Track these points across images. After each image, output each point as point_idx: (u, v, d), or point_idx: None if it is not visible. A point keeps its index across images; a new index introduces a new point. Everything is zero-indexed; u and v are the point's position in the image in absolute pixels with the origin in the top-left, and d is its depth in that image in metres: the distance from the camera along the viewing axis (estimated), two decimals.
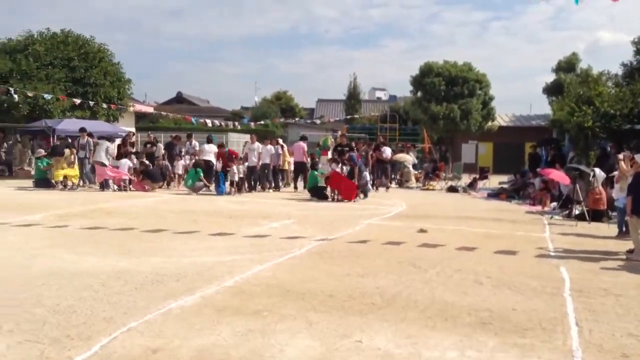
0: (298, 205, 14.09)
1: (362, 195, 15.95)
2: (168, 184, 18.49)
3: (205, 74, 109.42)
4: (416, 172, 23.04)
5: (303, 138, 19.85)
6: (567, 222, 11.88)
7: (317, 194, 15.66)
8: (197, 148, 20.32)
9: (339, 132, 24.48)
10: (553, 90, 35.30)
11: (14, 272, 6.10)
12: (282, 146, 19.41)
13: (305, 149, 19.02)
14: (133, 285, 5.60)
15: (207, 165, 17.55)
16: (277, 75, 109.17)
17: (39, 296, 5.16)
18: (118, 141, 20.85)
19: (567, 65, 36.09)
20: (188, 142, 20.88)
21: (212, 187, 16.90)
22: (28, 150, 23.45)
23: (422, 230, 9.88)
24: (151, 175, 17.53)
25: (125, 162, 17.14)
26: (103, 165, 16.82)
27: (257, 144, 17.72)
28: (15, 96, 21.19)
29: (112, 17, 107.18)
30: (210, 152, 18.27)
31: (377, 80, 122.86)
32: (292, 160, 20.33)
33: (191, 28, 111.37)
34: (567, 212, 12.72)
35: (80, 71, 25.13)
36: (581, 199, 12.22)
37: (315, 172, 16.22)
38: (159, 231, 9.10)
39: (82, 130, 18.11)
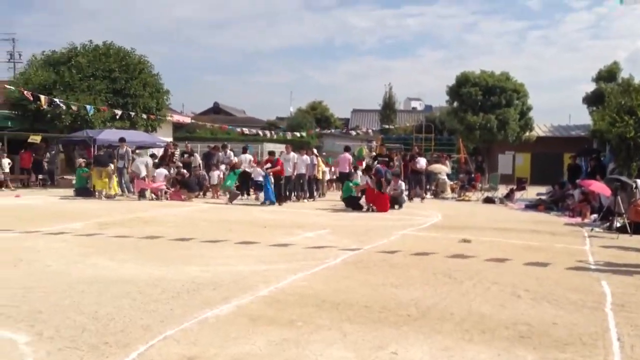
0: (333, 215, 14.09)
1: (397, 206, 15.89)
2: (204, 194, 18.72)
3: (242, 85, 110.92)
4: (451, 182, 22.82)
5: (347, 149, 20.04)
6: (608, 234, 11.59)
7: (352, 204, 15.66)
8: (232, 158, 20.58)
9: (375, 143, 24.48)
10: (593, 100, 34.60)
11: (55, 279, 6.24)
12: (316, 156, 19.50)
13: (351, 160, 19.15)
14: (170, 294, 5.67)
15: (244, 175, 17.75)
16: (313, 85, 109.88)
17: (79, 303, 5.27)
18: (154, 150, 21.30)
19: (608, 75, 35.33)
20: (223, 152, 21.14)
21: (256, 196, 16.98)
22: (75, 158, 24.05)
23: (465, 240, 9.86)
24: (188, 185, 17.78)
25: (161, 172, 17.43)
26: (140, 176, 17.19)
27: (292, 154, 17.82)
28: (63, 106, 21.79)
29: (152, 29, 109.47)
30: (246, 162, 18.50)
31: (413, 90, 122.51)
32: (327, 170, 20.46)
33: (229, 40, 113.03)
34: (608, 224, 12.41)
35: (120, 82, 25.72)
36: (623, 211, 11.91)
37: (350, 183, 16.25)
38: (195, 240, 9.21)
39: (122, 140, 18.53)
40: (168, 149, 19.99)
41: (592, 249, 9.56)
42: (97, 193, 17.47)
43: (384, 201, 15.16)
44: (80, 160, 19.11)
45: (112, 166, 17.78)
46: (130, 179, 18.11)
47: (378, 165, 16.53)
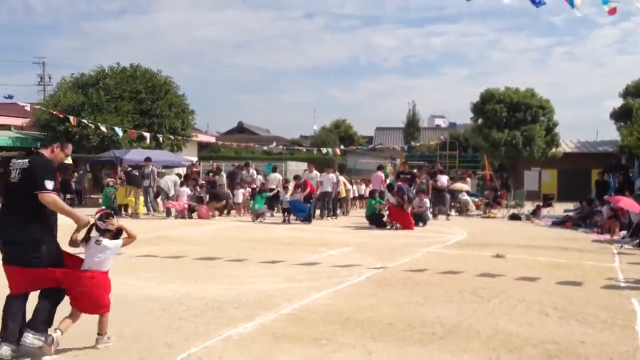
0: (356, 233, 14.05)
1: (421, 223, 15.78)
2: (229, 212, 18.82)
3: (266, 104, 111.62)
4: (475, 199, 22.57)
5: (380, 167, 20.04)
6: (637, 251, 11.35)
7: (375, 221, 15.61)
8: (255, 176, 20.74)
9: (399, 160, 24.42)
10: (621, 116, 34.11)
11: None
12: (337, 174, 19.57)
13: (383, 177, 19.11)
14: (194, 311, 5.70)
15: (273, 193, 17.77)
16: (336, 103, 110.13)
17: None
18: (179, 170, 21.54)
19: (636, 90, 34.82)
20: (245, 171, 21.31)
21: (286, 219, 17.00)
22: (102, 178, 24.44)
23: (498, 256, 9.94)
24: (215, 194, 17.96)
25: (185, 190, 17.62)
26: (167, 195, 17.42)
27: (315, 173, 17.86)
28: (92, 125, 22.20)
29: (177, 51, 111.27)
30: (275, 181, 18.61)
31: (436, 107, 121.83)
32: (350, 188, 20.52)
33: (252, 60, 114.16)
34: (637, 240, 12.16)
35: (147, 103, 26.10)
36: None
37: (373, 202, 16.22)
38: (219, 258, 9.25)
39: (147, 160, 18.79)
40: (192, 168, 20.21)
41: (622, 266, 9.37)
42: (123, 212, 17.69)
43: (407, 218, 15.07)
44: (108, 180, 19.38)
45: (142, 186, 18.12)
46: (156, 196, 18.35)
47: (400, 183, 16.46)
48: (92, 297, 4.73)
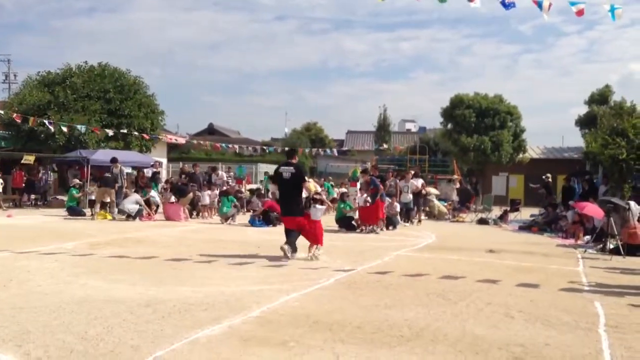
0: (326, 236, 14.02)
1: (391, 227, 15.87)
2: (198, 214, 18.65)
3: (237, 106, 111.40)
4: (445, 204, 22.79)
5: (365, 171, 20.06)
6: (601, 256, 11.60)
7: (345, 224, 15.64)
8: (225, 179, 20.71)
9: (369, 164, 24.51)
10: (586, 123, 34.90)
11: (45, 299, 6.18)
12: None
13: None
14: (161, 314, 5.62)
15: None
16: (307, 107, 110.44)
17: (69, 323, 5.21)
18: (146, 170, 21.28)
19: (600, 98, 35.69)
20: (214, 174, 21.26)
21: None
22: (68, 178, 23.97)
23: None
24: (180, 189, 17.72)
25: (134, 196, 17.21)
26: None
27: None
28: (52, 127, 21.78)
29: (148, 52, 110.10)
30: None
31: (407, 112, 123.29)
32: (320, 191, 20.52)
33: (224, 61, 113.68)
34: (601, 245, 12.43)
35: (115, 103, 25.76)
36: (616, 233, 11.93)
37: (342, 205, 16.27)
38: (188, 260, 9.15)
39: (114, 160, 18.45)
40: (141, 174, 20.00)
41: (586, 270, 9.56)
42: (90, 214, 17.41)
43: (377, 210, 15.07)
44: (76, 181, 19.02)
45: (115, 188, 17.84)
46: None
47: (374, 177, 16.36)
48: (316, 234, 10.02)
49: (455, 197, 23.14)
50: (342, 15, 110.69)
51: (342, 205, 16.26)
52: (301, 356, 4.45)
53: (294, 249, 9.69)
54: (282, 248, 9.62)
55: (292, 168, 10.07)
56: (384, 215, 15.56)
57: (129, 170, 23.41)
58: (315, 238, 9.91)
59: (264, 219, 16.22)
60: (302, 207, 10.17)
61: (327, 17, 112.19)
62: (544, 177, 20.77)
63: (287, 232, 9.99)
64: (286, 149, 13.84)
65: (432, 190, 22.51)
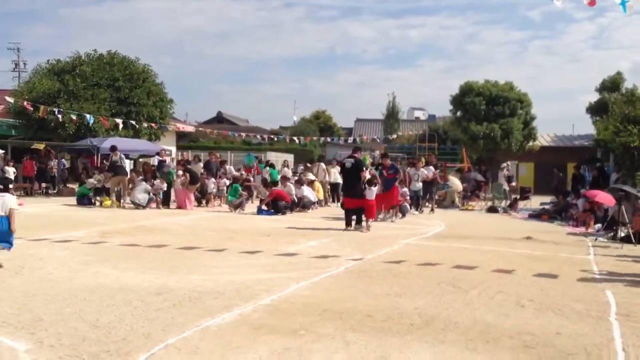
0: (335, 224, 14.05)
1: (400, 215, 15.83)
2: (207, 202, 18.69)
3: (245, 94, 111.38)
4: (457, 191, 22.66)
5: (385, 155, 20.08)
6: (612, 244, 11.53)
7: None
8: (234, 173, 20.82)
9: (378, 152, 24.43)
10: (597, 110, 34.54)
11: (58, 287, 6.23)
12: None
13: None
14: (171, 302, 5.65)
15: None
16: (316, 95, 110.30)
17: (81, 311, 5.25)
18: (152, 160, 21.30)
19: (612, 85, 35.28)
20: (222, 168, 21.32)
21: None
22: (78, 166, 24.02)
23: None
24: (192, 173, 17.65)
25: (143, 185, 17.15)
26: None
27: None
28: (60, 116, 21.85)
29: (157, 41, 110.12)
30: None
31: (416, 99, 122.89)
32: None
33: (232, 50, 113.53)
34: (612, 234, 12.35)
35: (124, 91, 25.80)
36: (627, 221, 11.85)
37: None
38: (198, 248, 9.19)
39: (113, 149, 18.35)
40: (147, 163, 19.90)
41: (596, 258, 9.52)
42: (96, 201, 17.49)
43: (392, 197, 15.06)
44: (92, 181, 18.65)
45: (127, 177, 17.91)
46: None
47: (394, 163, 16.46)
48: (371, 211, 12.80)
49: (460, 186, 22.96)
50: (350, 1, 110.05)
51: None
52: (312, 344, 4.46)
53: (357, 221, 12.63)
54: (347, 222, 12.62)
55: (352, 160, 13.05)
56: (399, 201, 15.57)
57: (134, 158, 23.49)
58: (370, 213, 12.79)
59: (273, 207, 16.23)
60: (361, 190, 12.82)
61: (334, 4, 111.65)
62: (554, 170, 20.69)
63: (347, 212, 12.84)
64: (352, 146, 16.62)
65: (455, 180, 22.40)
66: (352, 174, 13.01)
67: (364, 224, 12.59)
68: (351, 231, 12.36)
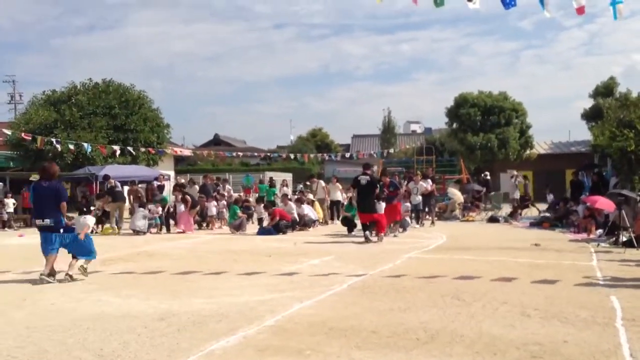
0: (337, 241, 14.04)
1: (401, 229, 15.81)
2: (207, 225, 18.65)
3: (241, 115, 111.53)
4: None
5: (384, 173, 20.27)
6: (614, 249, 11.52)
7: (347, 224, 15.94)
8: (232, 193, 20.85)
9: (376, 167, 24.45)
10: (592, 116, 34.70)
11: (60, 317, 6.19)
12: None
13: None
14: (175, 327, 5.62)
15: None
16: (312, 113, 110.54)
17: (84, 340, 5.22)
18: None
19: (605, 90, 35.49)
20: (222, 186, 21.32)
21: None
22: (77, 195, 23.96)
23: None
24: (192, 199, 17.65)
25: (140, 211, 17.13)
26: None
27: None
28: (59, 146, 21.90)
29: (150, 66, 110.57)
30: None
31: (412, 113, 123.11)
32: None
33: (225, 72, 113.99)
34: (614, 239, 12.33)
35: (121, 118, 25.91)
36: (628, 225, 11.84)
37: (348, 210, 16.84)
38: (199, 272, 9.16)
39: (106, 178, 18.46)
40: (133, 187, 19.77)
41: (599, 264, 9.50)
42: (95, 230, 17.41)
43: (394, 212, 15.12)
44: (97, 204, 18.63)
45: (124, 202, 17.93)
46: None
47: (394, 180, 16.59)
48: (382, 224, 13.76)
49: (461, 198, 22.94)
50: (340, 20, 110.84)
51: (347, 211, 16.67)
52: None
53: (371, 234, 13.73)
54: (365, 236, 13.45)
55: (367, 177, 13.82)
56: (401, 217, 15.59)
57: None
58: (381, 226, 13.79)
59: (274, 226, 16.22)
60: (375, 206, 13.83)
61: (325, 23, 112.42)
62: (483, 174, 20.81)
63: (364, 226, 13.84)
64: (363, 163, 16.48)
65: (456, 192, 22.36)
66: (367, 190, 13.75)
67: (379, 235, 13.68)
68: (354, 247, 12.35)
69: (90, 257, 8.93)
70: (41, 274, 8.34)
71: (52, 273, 8.48)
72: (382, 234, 13.74)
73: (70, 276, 8.46)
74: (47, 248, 8.60)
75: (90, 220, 9.49)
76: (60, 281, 8.35)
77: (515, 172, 22.85)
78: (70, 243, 8.75)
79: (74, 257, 8.79)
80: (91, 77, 27.74)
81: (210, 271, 9.21)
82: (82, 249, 8.79)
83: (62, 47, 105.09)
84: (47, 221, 8.59)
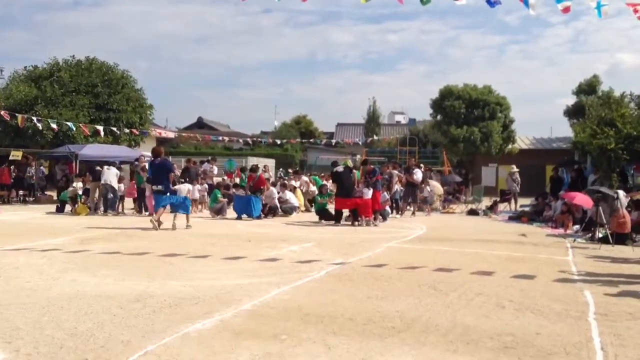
0: (317, 228, 14.06)
1: (381, 218, 15.87)
2: None
3: (226, 99, 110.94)
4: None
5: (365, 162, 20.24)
6: (590, 245, 11.68)
7: (323, 215, 15.90)
8: (215, 172, 20.72)
9: (359, 156, 24.50)
10: (574, 113, 35.07)
11: (35, 295, 6.13)
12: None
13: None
14: (151, 309, 5.59)
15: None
16: (297, 99, 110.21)
17: (58, 319, 5.18)
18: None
19: (588, 88, 35.84)
20: (208, 163, 21.28)
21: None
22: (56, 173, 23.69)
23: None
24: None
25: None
26: (113, 188, 16.98)
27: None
28: (39, 124, 21.59)
29: (135, 46, 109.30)
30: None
31: (397, 103, 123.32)
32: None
33: (212, 55, 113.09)
34: (590, 235, 12.51)
35: (103, 97, 25.60)
36: (604, 222, 12.01)
37: (319, 197, 16.96)
38: (178, 254, 9.12)
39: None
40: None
41: (575, 259, 9.62)
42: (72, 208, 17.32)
43: (374, 202, 15.13)
44: (76, 187, 18.52)
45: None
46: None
47: (375, 168, 16.88)
48: (367, 209, 14.52)
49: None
50: (329, 7, 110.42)
51: (319, 198, 16.91)
52: (293, 348, 4.45)
53: (355, 218, 14.66)
54: (337, 221, 14.80)
55: (344, 165, 15.36)
56: (380, 206, 15.64)
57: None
58: (366, 212, 14.48)
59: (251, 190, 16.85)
60: (354, 191, 14.77)
61: (314, 10, 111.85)
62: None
63: (337, 213, 15.00)
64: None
65: (436, 184, 22.42)
66: (345, 174, 14.79)
67: (364, 220, 14.51)
68: (333, 235, 12.37)
69: (187, 212, 13.10)
70: (152, 219, 12.52)
71: (160, 222, 12.52)
72: (369, 218, 14.49)
73: (174, 225, 12.59)
74: (159, 204, 12.72)
75: (187, 186, 15.32)
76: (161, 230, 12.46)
77: (515, 169, 22.99)
78: (175, 203, 12.95)
79: (173, 212, 13.02)
80: (74, 54, 27.33)
81: (189, 254, 9.17)
82: (184, 207, 13.02)
83: (45, 22, 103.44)
84: (160, 187, 12.66)
